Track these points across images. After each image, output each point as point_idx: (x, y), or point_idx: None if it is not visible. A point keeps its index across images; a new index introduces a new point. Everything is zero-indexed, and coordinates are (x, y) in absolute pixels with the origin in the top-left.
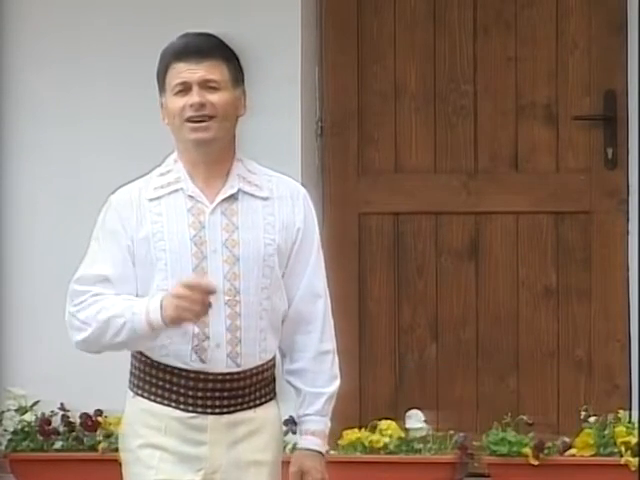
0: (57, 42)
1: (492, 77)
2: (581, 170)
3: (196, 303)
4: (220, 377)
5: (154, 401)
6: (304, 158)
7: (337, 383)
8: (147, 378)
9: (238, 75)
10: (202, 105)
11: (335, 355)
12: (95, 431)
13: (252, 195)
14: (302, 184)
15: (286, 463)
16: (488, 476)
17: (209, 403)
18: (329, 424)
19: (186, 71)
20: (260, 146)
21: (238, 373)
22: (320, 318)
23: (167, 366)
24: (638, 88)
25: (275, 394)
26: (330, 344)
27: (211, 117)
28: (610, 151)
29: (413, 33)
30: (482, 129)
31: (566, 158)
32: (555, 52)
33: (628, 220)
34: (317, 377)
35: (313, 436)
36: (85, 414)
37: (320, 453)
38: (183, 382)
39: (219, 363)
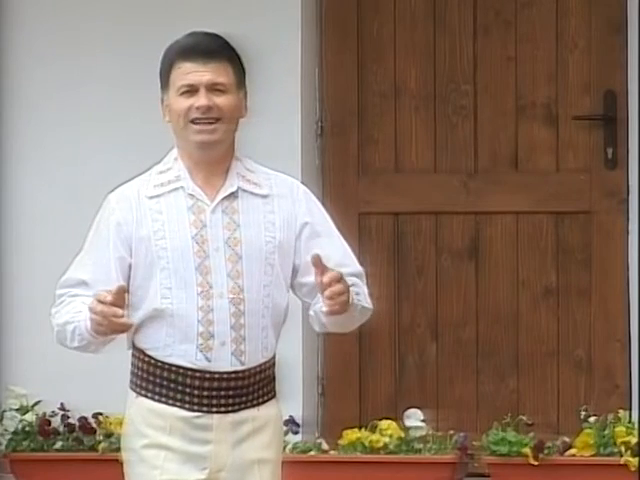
0: (57, 42)
1: (492, 77)
2: (581, 170)
3: (107, 316)
4: (225, 376)
5: (158, 401)
6: (304, 158)
7: (370, 303)
8: (151, 378)
9: (241, 77)
10: (209, 108)
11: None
12: (94, 433)
13: (251, 193)
14: (302, 184)
15: (286, 463)
16: (488, 476)
17: (214, 402)
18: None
19: (193, 72)
20: (260, 146)
21: (242, 371)
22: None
23: (172, 366)
24: (638, 88)
25: (275, 393)
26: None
27: (217, 119)
28: (610, 151)
29: (413, 33)
30: (482, 129)
31: (566, 158)
32: (555, 52)
33: (628, 220)
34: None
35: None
36: (83, 418)
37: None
38: (188, 381)
39: (224, 361)
